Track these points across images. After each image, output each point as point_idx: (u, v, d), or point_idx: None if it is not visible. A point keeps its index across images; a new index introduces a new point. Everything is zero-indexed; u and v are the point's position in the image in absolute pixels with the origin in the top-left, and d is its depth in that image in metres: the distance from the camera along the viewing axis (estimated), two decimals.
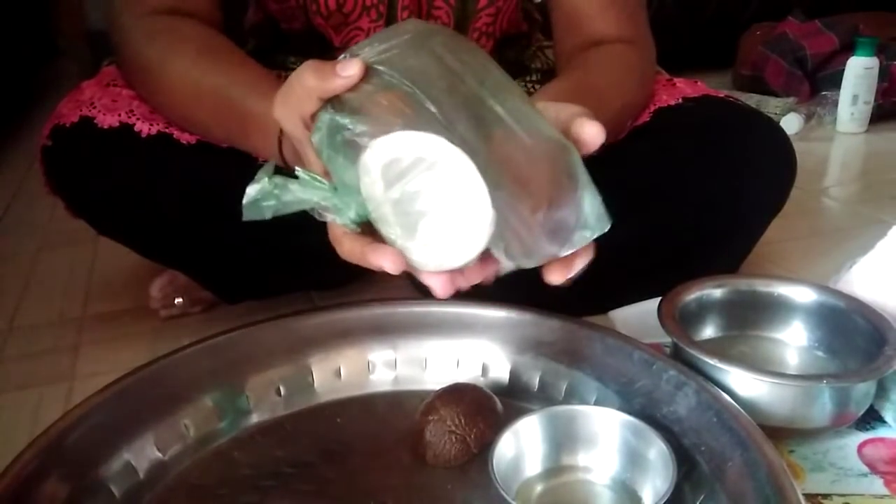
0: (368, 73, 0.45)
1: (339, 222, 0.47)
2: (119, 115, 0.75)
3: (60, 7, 2.64)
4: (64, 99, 0.79)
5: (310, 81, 0.46)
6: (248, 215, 0.46)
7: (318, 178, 0.47)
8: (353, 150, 0.43)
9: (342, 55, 0.47)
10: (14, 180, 1.55)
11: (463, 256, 0.44)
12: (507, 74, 0.48)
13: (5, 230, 1.32)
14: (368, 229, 0.47)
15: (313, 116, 0.48)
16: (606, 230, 0.45)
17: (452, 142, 0.40)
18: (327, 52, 0.86)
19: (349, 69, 0.45)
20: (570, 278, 0.48)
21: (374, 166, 0.43)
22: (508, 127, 0.43)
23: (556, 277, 0.47)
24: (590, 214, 0.45)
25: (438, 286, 0.47)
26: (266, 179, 0.45)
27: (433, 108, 0.41)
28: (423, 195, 0.43)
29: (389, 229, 0.45)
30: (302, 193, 0.46)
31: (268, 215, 0.46)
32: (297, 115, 0.49)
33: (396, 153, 0.42)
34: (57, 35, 2.67)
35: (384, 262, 0.46)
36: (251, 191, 0.46)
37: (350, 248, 0.48)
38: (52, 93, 1.66)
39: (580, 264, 0.48)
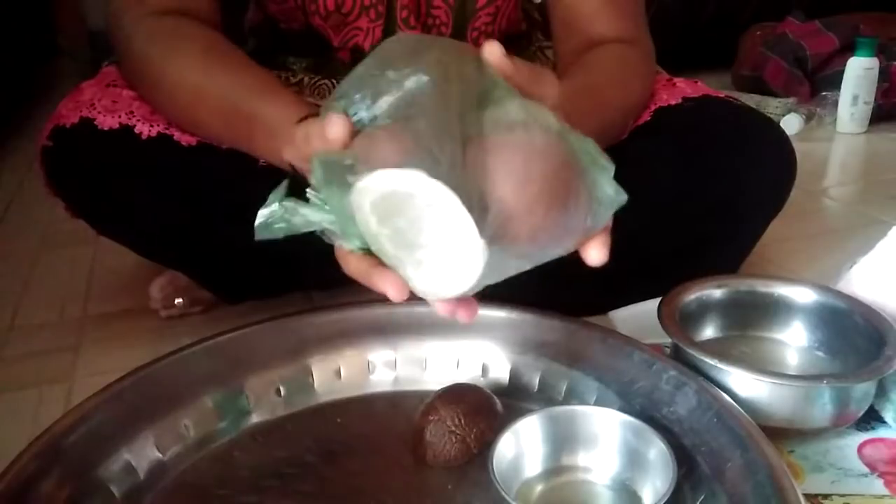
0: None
1: (347, 248, 0.48)
2: (119, 116, 0.75)
3: (60, 7, 2.64)
4: (64, 99, 0.79)
5: (316, 147, 0.47)
6: (259, 236, 0.48)
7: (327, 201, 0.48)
8: (346, 184, 0.44)
9: (336, 91, 0.48)
10: (14, 180, 1.55)
11: (460, 286, 0.44)
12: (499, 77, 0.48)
13: (5, 230, 1.32)
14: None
15: None
16: (624, 202, 0.45)
17: (437, 175, 0.41)
18: (327, 52, 0.86)
19: (332, 132, 0.45)
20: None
21: (364, 204, 0.44)
22: (502, 133, 0.43)
23: (596, 257, 0.47)
24: (603, 192, 0.45)
25: (441, 308, 0.47)
26: (276, 205, 0.47)
27: (422, 135, 0.42)
28: (414, 229, 0.43)
29: (388, 260, 0.46)
30: (311, 216, 0.47)
31: (280, 235, 0.48)
32: (306, 161, 0.50)
33: (383, 190, 0.42)
34: (57, 35, 2.66)
35: (388, 289, 0.47)
36: (262, 214, 0.47)
37: (356, 267, 0.49)
38: (52, 93, 1.66)
39: (608, 232, 0.47)
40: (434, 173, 0.40)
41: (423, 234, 0.43)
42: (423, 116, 0.43)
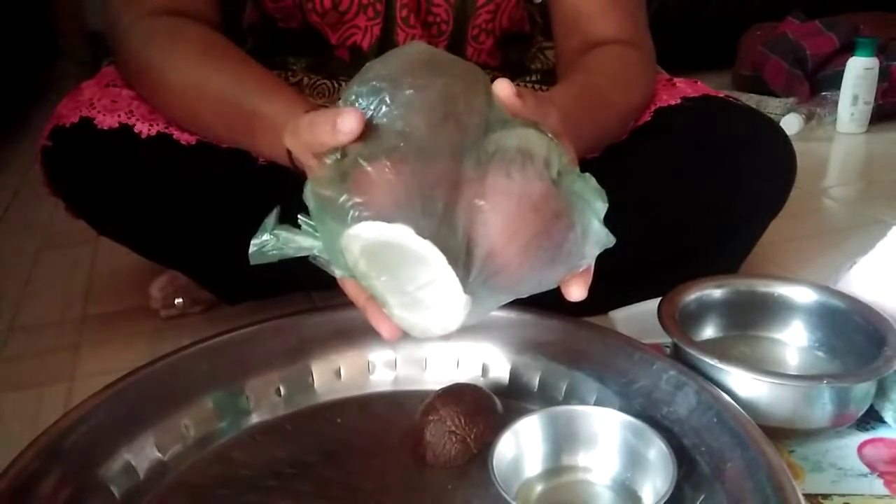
0: (370, 125, 0.46)
1: (338, 274, 0.49)
2: (119, 115, 0.75)
3: (60, 7, 2.64)
4: (64, 99, 0.79)
5: (319, 136, 0.48)
6: (254, 261, 0.49)
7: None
8: (338, 219, 0.45)
9: (347, 93, 0.48)
10: (14, 180, 1.55)
11: (443, 330, 0.47)
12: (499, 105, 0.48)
13: (5, 230, 1.32)
14: None
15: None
16: (612, 244, 0.47)
17: (425, 231, 0.42)
18: (325, 50, 0.86)
19: (347, 125, 0.45)
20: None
21: (354, 248, 0.45)
22: (499, 177, 0.44)
23: (576, 294, 0.49)
24: (592, 235, 0.46)
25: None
26: (268, 234, 0.49)
27: (416, 182, 0.43)
28: (402, 276, 0.45)
29: (376, 296, 0.48)
30: (303, 242, 0.49)
31: (274, 260, 0.49)
32: (308, 151, 0.51)
33: (373, 239, 0.44)
34: (57, 35, 2.66)
35: (382, 330, 0.50)
36: (255, 243, 0.49)
37: (354, 294, 0.51)
38: (52, 93, 1.66)
39: (591, 271, 0.49)
40: (423, 229, 0.42)
41: (410, 282, 0.45)
42: (420, 157, 0.44)
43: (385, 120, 0.45)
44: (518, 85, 0.48)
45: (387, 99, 0.46)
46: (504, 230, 0.44)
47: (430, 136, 0.44)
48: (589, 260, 0.47)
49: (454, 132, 0.45)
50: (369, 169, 0.44)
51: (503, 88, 0.47)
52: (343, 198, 0.44)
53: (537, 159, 0.45)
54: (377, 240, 0.43)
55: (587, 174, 0.47)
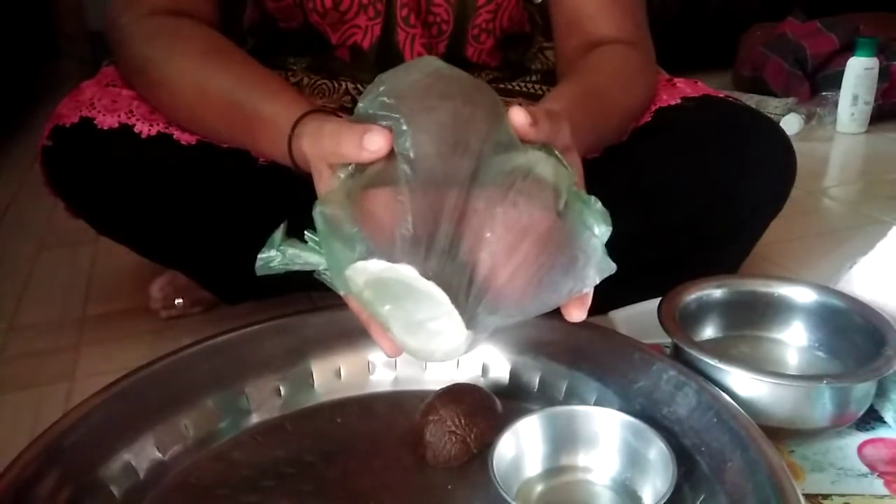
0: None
1: (341, 292, 0.50)
2: (119, 115, 0.75)
3: (60, 7, 2.65)
4: (64, 99, 0.79)
5: (343, 148, 0.48)
6: (260, 273, 0.50)
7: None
8: (344, 241, 0.46)
9: (358, 108, 0.48)
10: (14, 180, 1.55)
11: (444, 358, 0.48)
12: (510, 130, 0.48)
13: (5, 230, 1.32)
14: None
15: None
16: (613, 272, 0.47)
17: (429, 270, 0.43)
18: (325, 50, 0.86)
19: (374, 144, 0.45)
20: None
21: (358, 280, 0.46)
22: (506, 208, 0.45)
23: (576, 316, 0.49)
24: (594, 263, 0.46)
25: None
26: (274, 251, 0.49)
27: (420, 216, 0.43)
28: (405, 308, 0.46)
29: (380, 321, 0.49)
30: (309, 258, 0.49)
31: (280, 273, 0.50)
32: (325, 161, 0.52)
33: (377, 274, 0.44)
34: (57, 36, 2.67)
35: (383, 346, 0.52)
36: (262, 258, 0.50)
37: (358, 310, 0.52)
38: (52, 93, 1.66)
39: (591, 293, 0.49)
40: (427, 270, 0.43)
41: (414, 313, 0.46)
42: (429, 187, 0.44)
43: (396, 142, 0.45)
44: (520, 85, 0.48)
45: (398, 120, 0.46)
46: (509, 264, 0.44)
47: (439, 164, 0.44)
48: (591, 286, 0.47)
49: (463, 159, 0.45)
50: (377, 197, 0.44)
51: (517, 117, 0.47)
52: (352, 229, 0.45)
53: (545, 189, 0.45)
54: (382, 275, 0.44)
55: (592, 197, 0.47)
